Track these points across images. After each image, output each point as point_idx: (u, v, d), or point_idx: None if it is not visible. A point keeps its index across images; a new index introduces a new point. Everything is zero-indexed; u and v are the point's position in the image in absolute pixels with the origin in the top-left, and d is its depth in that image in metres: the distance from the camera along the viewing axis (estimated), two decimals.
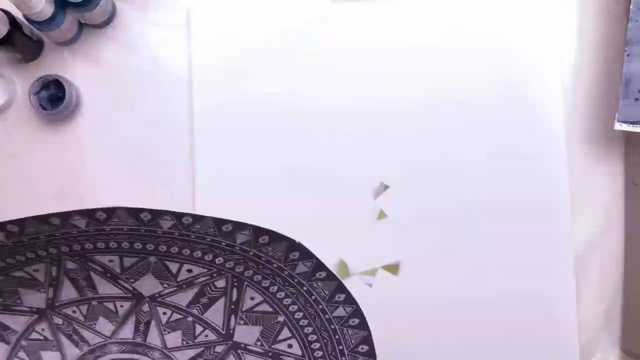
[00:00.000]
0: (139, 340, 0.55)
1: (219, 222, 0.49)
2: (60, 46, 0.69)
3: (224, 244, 0.51)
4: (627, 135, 0.68)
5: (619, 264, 0.68)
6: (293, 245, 0.51)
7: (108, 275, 0.54)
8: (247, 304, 0.55)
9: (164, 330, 0.56)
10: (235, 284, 0.54)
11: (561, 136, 0.68)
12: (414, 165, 0.68)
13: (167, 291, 0.55)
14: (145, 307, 0.55)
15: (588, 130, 0.69)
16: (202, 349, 0.56)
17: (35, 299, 0.54)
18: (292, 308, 0.54)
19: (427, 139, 0.68)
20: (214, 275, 0.54)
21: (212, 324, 0.56)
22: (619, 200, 0.69)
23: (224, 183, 0.68)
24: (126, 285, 0.54)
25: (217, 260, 0.53)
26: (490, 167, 0.68)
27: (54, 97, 0.67)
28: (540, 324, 0.67)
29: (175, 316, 0.56)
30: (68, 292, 0.54)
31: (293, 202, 0.68)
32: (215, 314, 0.55)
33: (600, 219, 0.68)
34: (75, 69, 0.69)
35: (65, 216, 0.47)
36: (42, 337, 0.55)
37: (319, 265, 0.51)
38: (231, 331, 0.55)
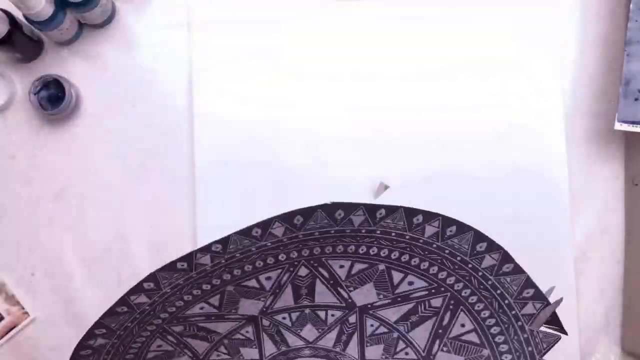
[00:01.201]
0: (283, 348, 0.55)
1: (477, 238, 0.49)
2: (60, 46, 0.69)
3: (459, 259, 0.51)
4: (627, 135, 0.68)
5: (619, 264, 0.68)
6: (412, 211, 0.50)
7: (331, 282, 0.54)
8: (456, 330, 0.54)
9: (296, 330, 0.56)
10: (451, 306, 0.53)
11: (561, 136, 0.68)
12: (414, 166, 0.68)
13: (380, 303, 0.54)
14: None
15: (588, 130, 0.69)
16: (339, 327, 0.55)
17: (251, 307, 0.55)
18: (502, 348, 0.54)
19: (428, 139, 0.68)
20: (433, 291, 0.53)
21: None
22: (619, 200, 0.69)
23: (224, 183, 0.68)
24: (344, 293, 0.54)
25: (440, 275, 0.52)
26: (490, 168, 0.68)
27: (53, 97, 0.67)
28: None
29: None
30: (285, 299, 0.55)
31: (293, 202, 0.68)
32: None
33: (600, 219, 0.68)
34: (75, 68, 0.69)
35: (189, 258, 0.49)
36: (244, 337, 0.56)
37: (446, 221, 0.51)
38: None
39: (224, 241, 0.48)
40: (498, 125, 0.68)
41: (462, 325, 0.54)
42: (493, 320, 0.54)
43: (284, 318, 0.55)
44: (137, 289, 0.49)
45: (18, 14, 0.63)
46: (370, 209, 0.49)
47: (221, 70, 0.69)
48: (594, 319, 0.68)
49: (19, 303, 0.68)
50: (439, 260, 0.52)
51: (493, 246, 0.51)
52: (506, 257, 0.51)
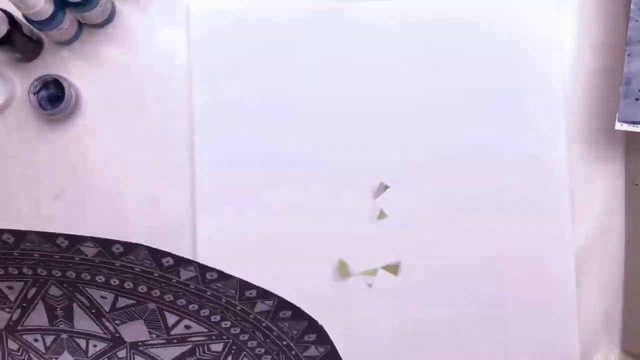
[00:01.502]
0: None
1: (243, 287, 0.44)
2: (60, 46, 0.69)
3: (238, 308, 0.46)
4: (628, 135, 0.68)
5: (619, 264, 0.68)
6: (311, 326, 0.45)
7: (93, 311, 0.48)
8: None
9: (50, 359, 0.49)
10: (233, 351, 0.49)
11: (561, 136, 0.68)
12: (414, 166, 0.68)
13: (153, 342, 0.49)
14: (122, 353, 0.49)
15: (588, 130, 0.69)
16: None
17: None
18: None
19: (428, 139, 0.68)
20: (213, 337, 0.49)
21: (92, 333, 0.49)
22: (619, 200, 0.69)
23: (224, 183, 0.68)
24: (109, 325, 0.48)
25: (223, 324, 0.48)
26: (490, 168, 0.68)
27: (53, 97, 0.67)
28: (541, 325, 0.67)
29: (49, 339, 0.49)
30: (38, 318, 0.48)
31: (293, 202, 0.68)
32: (85, 323, 0.49)
33: (600, 219, 0.68)
34: (75, 68, 0.69)
35: (75, 241, 0.42)
36: None
37: (282, 304, 0.45)
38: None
39: (130, 247, 0.43)
40: (498, 125, 0.68)
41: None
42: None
43: (36, 340, 0.49)
44: None
45: (18, 14, 0.63)
46: (203, 270, 0.44)
47: (220, 69, 0.69)
48: (594, 319, 0.68)
49: None
50: (219, 309, 0.47)
51: (266, 294, 0.46)
52: (282, 304, 0.47)
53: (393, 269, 0.67)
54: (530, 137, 0.68)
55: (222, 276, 0.44)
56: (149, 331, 0.49)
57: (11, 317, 0.48)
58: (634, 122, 0.62)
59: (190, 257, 0.66)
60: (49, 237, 0.42)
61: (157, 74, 0.69)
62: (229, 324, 0.48)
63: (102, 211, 0.68)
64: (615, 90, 0.65)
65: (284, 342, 0.48)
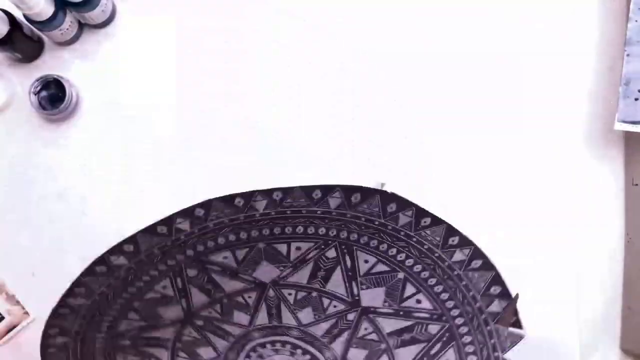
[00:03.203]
0: (275, 323, 0.57)
1: (308, 190, 0.50)
2: (61, 46, 0.69)
3: (319, 212, 0.52)
4: (627, 135, 0.68)
5: (619, 264, 0.68)
6: (387, 197, 0.50)
7: (228, 272, 0.55)
8: (363, 267, 0.55)
9: (295, 310, 0.57)
10: (345, 250, 0.54)
11: (561, 136, 0.68)
12: (414, 166, 0.68)
13: (284, 273, 0.56)
14: (271, 293, 0.56)
15: (587, 130, 0.69)
16: (335, 320, 0.57)
17: (173, 312, 0.56)
18: (409, 262, 0.55)
19: (428, 139, 0.68)
20: (322, 247, 0.54)
21: (337, 294, 0.56)
22: (619, 200, 0.69)
23: (224, 183, 0.68)
24: (247, 277, 0.55)
25: (319, 232, 0.54)
26: (490, 168, 0.68)
27: (54, 97, 0.67)
28: (540, 324, 0.67)
29: (301, 294, 0.57)
30: (199, 298, 0.56)
31: None
32: (337, 283, 0.56)
33: (600, 219, 0.68)
34: (76, 68, 0.69)
35: (169, 221, 0.50)
36: (191, 338, 0.57)
37: (421, 212, 0.51)
38: (357, 298, 0.56)
39: (206, 205, 0.50)
40: (497, 126, 0.68)
41: (366, 262, 0.55)
42: (457, 311, 0.54)
43: (210, 312, 0.57)
44: (117, 249, 0.50)
45: (18, 14, 0.63)
46: (269, 192, 0.52)
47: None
48: (593, 318, 0.68)
49: (19, 303, 0.68)
50: (406, 248, 0.53)
51: (464, 241, 0.52)
52: (476, 253, 0.52)
53: None
54: (530, 137, 0.68)
55: (364, 194, 0.51)
56: (384, 299, 0.56)
57: (280, 274, 0.56)
58: (633, 122, 0.62)
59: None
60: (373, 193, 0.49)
61: (158, 74, 0.70)
62: (452, 303, 0.54)
63: (102, 211, 0.68)
64: (614, 90, 0.65)
65: (435, 254, 0.54)
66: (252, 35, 0.69)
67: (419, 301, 0.55)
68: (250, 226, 0.52)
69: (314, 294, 0.56)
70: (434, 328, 0.54)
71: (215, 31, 0.70)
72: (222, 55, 0.69)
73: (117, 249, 0.50)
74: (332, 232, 0.53)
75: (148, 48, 0.70)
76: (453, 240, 0.53)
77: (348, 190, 0.50)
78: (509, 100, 0.69)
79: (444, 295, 0.54)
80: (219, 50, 0.69)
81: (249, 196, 0.49)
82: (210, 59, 0.69)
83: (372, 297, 0.56)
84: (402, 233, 0.52)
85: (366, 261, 0.54)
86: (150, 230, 0.50)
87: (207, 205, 0.50)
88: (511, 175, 0.68)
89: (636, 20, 0.62)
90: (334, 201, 0.50)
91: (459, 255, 0.53)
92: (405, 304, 0.55)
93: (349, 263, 0.54)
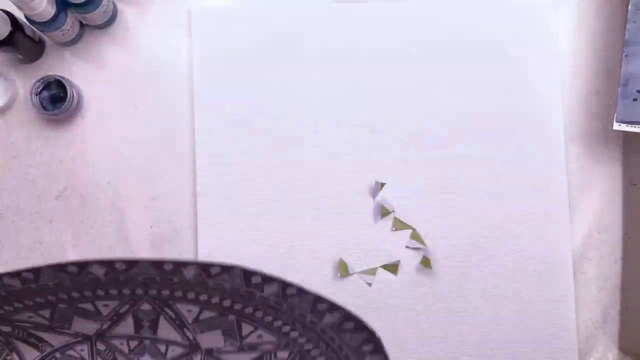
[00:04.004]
0: None
1: (317, 300, 0.47)
2: (62, 47, 0.70)
3: (308, 320, 0.49)
4: (626, 135, 0.68)
5: (618, 264, 0.69)
6: (370, 337, 0.48)
7: (177, 322, 0.52)
8: (189, 316, 0.52)
9: (132, 359, 0.54)
10: (162, 304, 0.51)
11: (560, 136, 0.68)
12: (413, 167, 0.68)
13: (226, 349, 0.53)
14: (101, 346, 0.53)
15: (586, 130, 0.69)
16: None
17: (85, 327, 0.52)
18: (237, 307, 0.51)
19: (428, 139, 0.69)
20: (281, 346, 0.52)
21: (173, 340, 0.53)
22: (618, 200, 0.69)
23: (224, 183, 0.68)
24: (189, 334, 0.53)
25: (292, 334, 0.51)
26: (490, 168, 0.68)
27: (55, 98, 0.67)
28: (540, 324, 0.67)
29: (133, 343, 0.53)
30: (125, 328, 0.53)
31: (293, 202, 0.68)
32: (168, 332, 0.52)
33: (598, 219, 0.69)
34: (77, 69, 0.70)
35: (179, 265, 0.46)
36: (78, 356, 0.53)
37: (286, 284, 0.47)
38: (195, 342, 0.53)
39: (36, 270, 0.46)
40: (496, 126, 0.69)
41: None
42: (304, 338, 0.52)
43: (121, 344, 0.53)
44: (15, 273, 0.47)
45: (20, 15, 0.63)
46: (284, 286, 0.47)
47: (221, 70, 0.69)
48: (592, 318, 0.68)
49: None
50: (290, 321, 0.50)
51: (333, 306, 0.48)
52: (347, 316, 0.48)
53: (393, 268, 0.68)
54: (529, 137, 0.68)
55: (300, 292, 0.47)
56: (224, 339, 0.53)
57: (101, 326, 0.52)
58: (631, 122, 0.62)
59: (191, 257, 0.67)
60: (158, 265, 0.46)
61: (158, 74, 0.70)
62: (296, 334, 0.50)
63: (102, 211, 0.69)
64: (613, 90, 0.65)
65: (343, 352, 0.50)
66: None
67: (260, 336, 0.53)
68: (241, 300, 0.49)
69: (147, 342, 0.53)
70: (283, 354, 0.52)
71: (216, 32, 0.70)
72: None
73: (15, 273, 0.47)
74: (302, 340, 0.51)
75: (149, 48, 0.70)
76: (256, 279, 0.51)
77: (347, 316, 0.48)
78: (509, 100, 0.69)
79: (285, 328, 0.52)
80: (221, 51, 0.70)
81: (268, 280, 0.48)
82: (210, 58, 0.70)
83: (211, 339, 0.53)
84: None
85: (189, 310, 0.51)
86: (60, 267, 0.46)
87: (226, 270, 0.47)
88: (511, 175, 0.68)
89: (635, 21, 0.62)
90: (328, 319, 0.49)
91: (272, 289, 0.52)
92: (247, 340, 0.53)
93: (171, 314, 0.51)
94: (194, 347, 0.53)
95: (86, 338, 0.53)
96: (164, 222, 0.69)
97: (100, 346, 0.53)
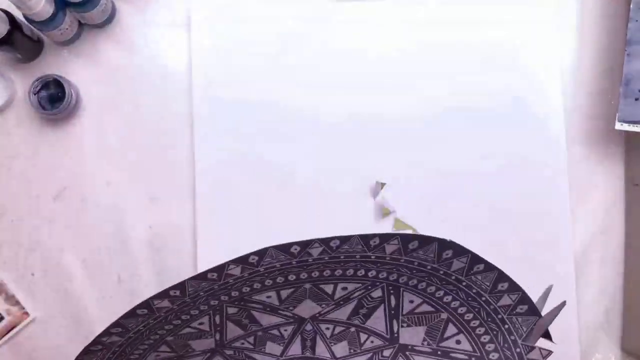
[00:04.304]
0: (308, 354, 0.57)
1: (365, 238, 0.49)
2: (60, 46, 0.69)
3: (373, 257, 0.51)
4: (627, 135, 0.68)
5: (619, 264, 0.68)
6: (444, 244, 0.50)
7: (268, 309, 0.55)
8: (407, 307, 0.55)
9: (330, 343, 0.57)
10: (392, 291, 0.54)
11: (561, 136, 0.68)
12: (414, 166, 0.68)
13: (326, 310, 0.55)
14: (308, 327, 0.56)
15: (588, 130, 0.69)
16: (370, 354, 0.57)
17: (204, 344, 0.56)
18: (454, 304, 0.54)
19: (428, 140, 0.68)
20: (369, 287, 0.54)
21: (376, 331, 0.56)
22: (619, 200, 0.69)
23: (224, 183, 0.68)
24: (286, 313, 0.55)
25: (369, 274, 0.53)
26: (490, 167, 0.68)
27: (53, 97, 0.67)
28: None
29: (338, 329, 0.56)
30: (233, 331, 0.56)
31: (293, 203, 0.68)
32: (377, 321, 0.56)
33: (600, 219, 0.68)
34: (75, 68, 0.69)
35: (221, 268, 0.49)
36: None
37: (475, 259, 0.50)
38: (396, 335, 0.56)
39: (261, 253, 0.50)
40: (498, 126, 0.68)
41: (411, 302, 0.55)
42: (496, 355, 0.55)
43: (242, 343, 0.56)
44: (163, 294, 0.50)
45: (18, 14, 0.63)
46: (326, 241, 0.51)
47: (221, 69, 0.69)
48: (594, 319, 0.68)
49: (19, 303, 0.68)
50: (454, 291, 0.54)
51: (513, 287, 0.52)
52: (524, 299, 0.53)
53: None
54: (530, 137, 0.68)
55: (422, 242, 0.50)
56: (424, 338, 0.55)
57: (215, 338, 0.57)
58: (633, 122, 0.62)
59: (191, 258, 0.67)
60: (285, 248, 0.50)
61: (157, 74, 0.70)
62: (374, 272, 0.53)
63: (102, 211, 0.68)
64: (615, 90, 0.65)
65: (483, 298, 0.53)
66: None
67: (458, 342, 0.55)
68: (300, 269, 0.52)
69: (352, 329, 0.56)
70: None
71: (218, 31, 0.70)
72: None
73: (163, 294, 0.50)
74: (382, 275, 0.53)
75: (148, 47, 0.70)
76: (502, 286, 0.53)
77: (406, 238, 0.50)
78: (510, 100, 0.69)
79: (485, 338, 0.54)
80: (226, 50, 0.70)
81: (306, 245, 0.49)
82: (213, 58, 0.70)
83: (412, 335, 0.56)
84: (453, 277, 0.52)
85: (411, 301, 0.54)
86: (201, 276, 0.50)
87: (262, 253, 0.50)
88: (512, 175, 0.68)
89: (636, 20, 0.62)
90: (390, 248, 0.50)
91: (506, 300, 0.54)
92: (444, 343, 0.55)
93: (393, 302, 0.55)
94: (393, 340, 0.56)
95: (213, 351, 0.56)
96: (163, 222, 0.68)
97: (229, 352, 0.56)
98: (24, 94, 0.68)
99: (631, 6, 0.62)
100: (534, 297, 0.56)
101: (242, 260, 0.49)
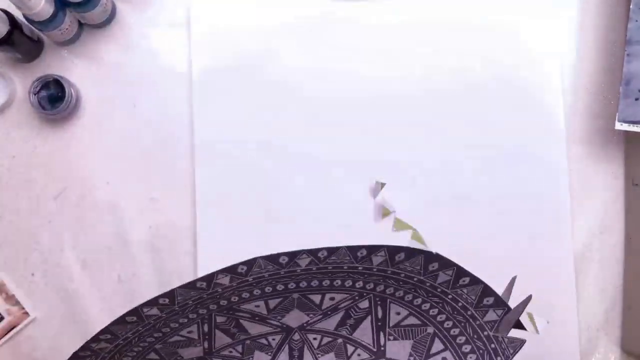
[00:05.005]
0: None
1: (353, 250, 0.50)
2: (60, 46, 0.69)
3: (360, 268, 0.51)
4: (627, 135, 0.68)
5: (619, 264, 0.68)
6: (430, 257, 0.51)
7: (256, 318, 0.55)
8: (394, 319, 0.56)
9: (317, 354, 0.57)
10: (379, 302, 0.55)
11: (561, 136, 0.68)
12: (413, 166, 0.68)
13: (313, 320, 0.56)
14: (296, 336, 0.56)
15: (588, 130, 0.69)
16: None
17: (193, 352, 0.56)
18: (440, 317, 0.55)
19: (428, 138, 0.68)
20: (356, 298, 0.55)
21: (363, 343, 0.56)
22: (619, 200, 0.69)
23: (224, 182, 0.68)
24: (274, 322, 0.56)
25: (357, 285, 0.54)
26: (491, 167, 0.68)
27: (53, 97, 0.67)
28: (541, 325, 0.67)
29: (326, 339, 0.57)
30: (222, 340, 0.56)
31: (293, 203, 0.68)
32: (364, 332, 0.56)
33: (600, 219, 0.68)
34: (75, 68, 0.69)
35: (210, 277, 0.50)
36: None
37: (461, 272, 0.52)
38: (382, 348, 0.56)
39: (249, 263, 0.51)
40: (497, 126, 0.68)
41: (397, 314, 0.55)
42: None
43: (230, 352, 0.57)
44: (152, 302, 0.50)
45: (18, 14, 0.63)
46: (314, 252, 0.52)
47: (220, 69, 0.69)
48: (594, 318, 0.68)
49: (19, 303, 0.68)
50: (440, 304, 0.55)
51: (499, 302, 0.53)
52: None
53: None
54: (530, 137, 0.68)
55: (408, 254, 0.51)
56: (410, 353, 0.56)
57: (203, 346, 0.57)
58: (633, 122, 0.62)
59: (191, 258, 0.67)
60: (274, 259, 0.51)
61: (157, 73, 0.70)
62: (361, 283, 0.54)
63: (102, 211, 0.68)
64: (615, 90, 0.65)
65: (469, 312, 0.53)
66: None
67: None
68: (288, 280, 0.52)
69: (339, 340, 0.57)
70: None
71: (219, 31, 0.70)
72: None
73: (152, 302, 0.51)
74: (369, 286, 0.54)
75: (148, 47, 0.70)
76: (487, 301, 0.54)
77: (393, 250, 0.51)
78: (510, 100, 0.69)
79: (471, 357, 0.55)
80: (228, 50, 0.70)
81: (294, 255, 0.50)
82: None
83: (398, 349, 0.56)
84: (439, 290, 0.52)
85: (398, 313, 0.55)
86: (190, 285, 0.51)
87: (250, 263, 0.50)
88: (512, 175, 0.68)
89: (636, 20, 0.62)
90: (377, 259, 0.51)
91: (492, 315, 0.54)
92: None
93: (380, 314, 0.55)
94: (287, 329, 0.56)
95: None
96: (163, 222, 0.68)
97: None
98: (24, 94, 0.68)
99: (631, 6, 0.62)
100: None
101: (230, 270, 0.50)
